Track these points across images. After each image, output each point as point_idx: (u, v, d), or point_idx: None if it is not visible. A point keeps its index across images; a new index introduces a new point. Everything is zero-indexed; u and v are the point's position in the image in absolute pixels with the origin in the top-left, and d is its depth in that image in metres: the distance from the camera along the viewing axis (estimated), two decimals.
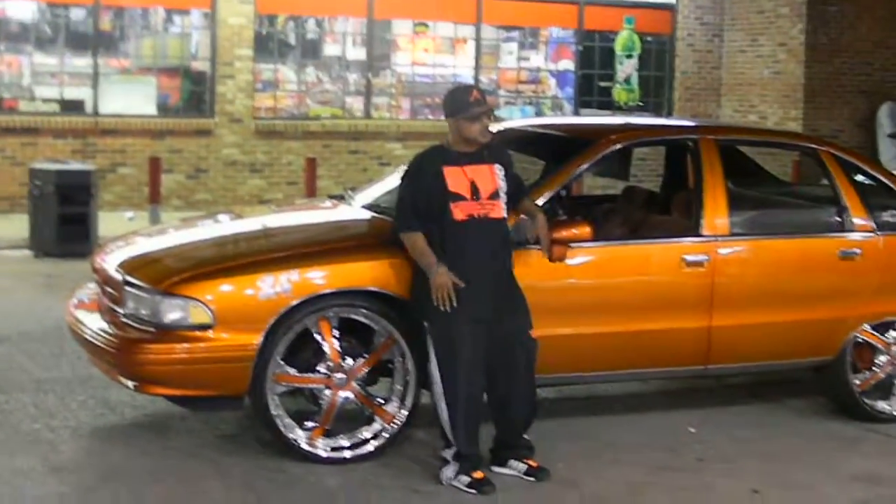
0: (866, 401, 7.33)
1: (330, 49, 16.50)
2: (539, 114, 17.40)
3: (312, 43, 16.38)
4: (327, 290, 6.08)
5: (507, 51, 17.71)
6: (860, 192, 7.30)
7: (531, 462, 6.10)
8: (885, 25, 17.71)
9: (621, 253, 6.79)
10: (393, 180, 7.61)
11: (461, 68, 17.14)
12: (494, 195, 5.95)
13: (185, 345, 5.93)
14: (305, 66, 16.26)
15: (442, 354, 5.85)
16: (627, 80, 18.25)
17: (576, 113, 17.59)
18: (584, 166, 6.80)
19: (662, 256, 6.82)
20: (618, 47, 18.10)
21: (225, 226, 7.46)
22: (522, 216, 6.24)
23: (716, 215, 6.86)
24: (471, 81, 16.73)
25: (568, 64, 17.99)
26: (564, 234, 6.32)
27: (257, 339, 5.95)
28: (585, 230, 6.35)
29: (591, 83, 18.09)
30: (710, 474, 6.37)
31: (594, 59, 18.06)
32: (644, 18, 18.19)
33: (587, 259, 6.55)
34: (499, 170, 6.00)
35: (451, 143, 6.02)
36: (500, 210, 5.97)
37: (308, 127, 15.95)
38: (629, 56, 18.16)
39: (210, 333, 5.94)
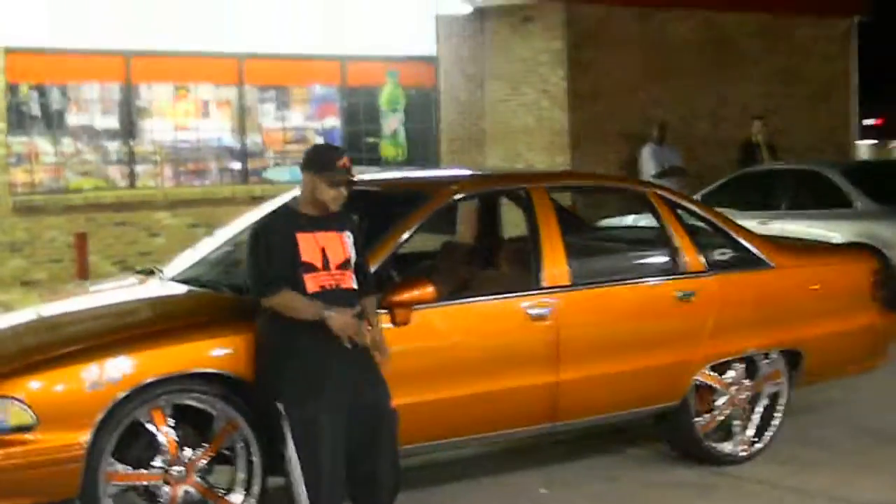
0: (709, 444, 7.20)
1: (87, 118, 15.54)
2: None
3: (68, 112, 15.46)
4: (159, 376, 5.50)
5: (270, 111, 17.22)
6: (689, 232, 7.18)
7: None
8: (637, 72, 18.04)
9: (464, 312, 6.38)
10: (202, 249, 7.13)
11: (224, 131, 16.55)
12: (345, 265, 5.52)
13: (3, 451, 5.22)
14: (62, 137, 15.33)
15: (301, 437, 5.33)
16: (394, 135, 18.04)
17: None
18: (422, 221, 6.35)
19: (505, 312, 6.49)
20: (382, 102, 17.88)
21: (29, 313, 6.73)
22: None
23: (555, 265, 6.58)
24: (238, 144, 16.28)
25: (333, 121, 17.62)
26: (406, 296, 5.95)
27: (86, 436, 5.34)
28: (428, 290, 5.98)
29: (359, 139, 17.77)
30: None
31: (359, 114, 17.78)
32: (407, 72, 17.98)
33: (427, 321, 6.12)
34: (348, 237, 5.58)
35: (300, 203, 5.57)
36: (350, 280, 5.54)
37: (70, 200, 15.05)
38: (394, 110, 17.96)
39: (30, 435, 5.27)
